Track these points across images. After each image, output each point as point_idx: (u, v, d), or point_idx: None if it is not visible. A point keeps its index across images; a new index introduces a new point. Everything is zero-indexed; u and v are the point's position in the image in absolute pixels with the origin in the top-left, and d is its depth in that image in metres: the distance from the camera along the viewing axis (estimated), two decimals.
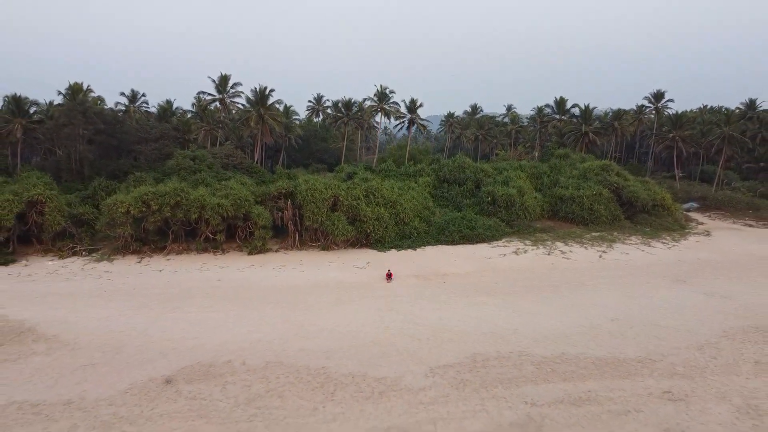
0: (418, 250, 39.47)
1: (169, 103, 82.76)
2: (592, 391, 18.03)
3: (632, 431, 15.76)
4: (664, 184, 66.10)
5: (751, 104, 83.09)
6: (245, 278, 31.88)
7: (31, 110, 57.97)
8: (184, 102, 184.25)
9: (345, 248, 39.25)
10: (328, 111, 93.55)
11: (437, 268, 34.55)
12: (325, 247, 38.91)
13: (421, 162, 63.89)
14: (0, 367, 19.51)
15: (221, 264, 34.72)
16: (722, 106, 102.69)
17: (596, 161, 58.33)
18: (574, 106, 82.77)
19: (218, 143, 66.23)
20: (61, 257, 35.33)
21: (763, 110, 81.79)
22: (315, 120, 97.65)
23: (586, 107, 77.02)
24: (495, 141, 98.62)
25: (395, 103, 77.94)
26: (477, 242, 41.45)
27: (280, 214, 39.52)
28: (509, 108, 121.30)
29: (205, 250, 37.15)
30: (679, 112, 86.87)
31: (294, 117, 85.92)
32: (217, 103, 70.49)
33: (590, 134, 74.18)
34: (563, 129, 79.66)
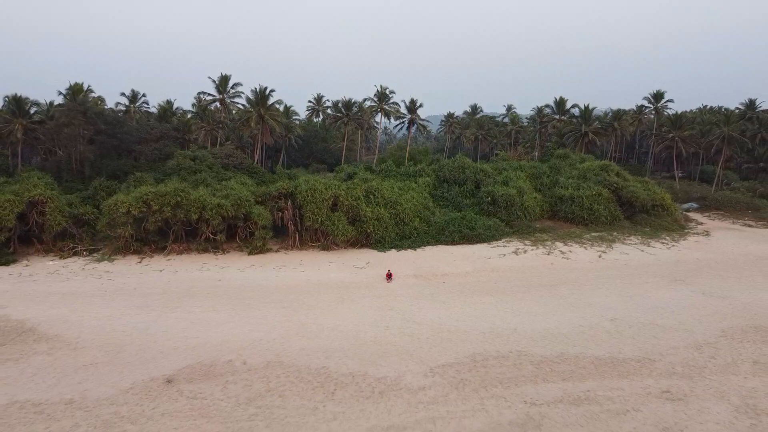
0: (417, 250, 39.56)
1: (169, 103, 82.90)
2: (591, 391, 18.12)
3: (631, 430, 15.85)
4: (663, 184, 66.23)
5: (751, 104, 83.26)
6: (246, 278, 31.97)
7: (32, 110, 58.02)
8: (185, 102, 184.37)
9: (345, 248, 39.33)
10: (328, 111, 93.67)
11: (437, 268, 34.64)
12: (325, 247, 39.00)
13: (421, 162, 63.95)
14: (2, 366, 19.60)
15: (222, 264, 34.80)
16: (722, 106, 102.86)
17: (596, 161, 58.41)
18: (573, 106, 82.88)
19: (218, 143, 66.33)
20: (62, 257, 35.42)
21: (763, 110, 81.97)
22: (315, 120, 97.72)
23: (586, 107, 77.12)
24: (495, 141, 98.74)
25: (395, 103, 78.10)
26: (477, 242, 41.54)
27: (280, 214, 39.61)
28: (509, 108, 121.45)
29: (205, 250, 37.24)
30: (679, 112, 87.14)
31: (294, 117, 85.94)
32: (218, 104, 70.60)
33: (590, 134, 74.27)
34: (563, 129, 79.75)
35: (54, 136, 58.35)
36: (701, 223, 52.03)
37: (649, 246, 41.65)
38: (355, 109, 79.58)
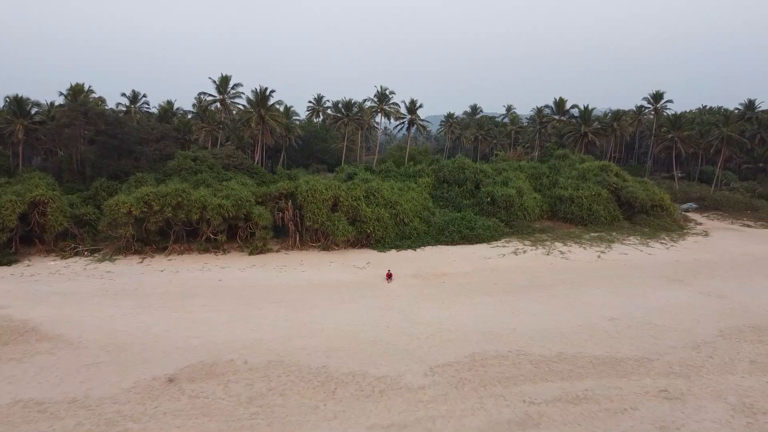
0: (417, 250, 39.72)
1: (169, 103, 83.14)
2: (589, 390, 18.29)
3: (628, 429, 16.02)
4: (663, 184, 66.40)
5: (750, 105, 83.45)
6: (246, 278, 32.14)
7: (33, 111, 58.27)
8: (185, 103, 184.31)
9: (345, 248, 39.49)
10: (329, 111, 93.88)
11: (437, 268, 34.80)
12: (326, 248, 39.17)
13: (420, 162, 64.07)
14: (5, 366, 19.77)
15: (222, 264, 34.97)
16: (721, 107, 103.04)
17: (595, 162, 58.56)
18: (573, 106, 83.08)
19: (219, 144, 66.50)
20: (64, 257, 35.57)
21: (762, 111, 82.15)
22: (315, 120, 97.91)
23: (586, 108, 77.30)
24: (495, 141, 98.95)
25: (395, 103, 78.34)
26: (476, 242, 41.70)
27: (280, 214, 39.77)
28: (509, 108, 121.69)
29: (206, 251, 37.40)
30: (678, 112, 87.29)
31: (294, 117, 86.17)
32: (218, 104, 70.79)
33: (589, 135, 74.45)
34: (562, 129, 79.92)
35: (55, 137, 58.54)
36: (700, 224, 52.19)
37: (648, 246, 41.82)
38: (356, 109, 79.81)
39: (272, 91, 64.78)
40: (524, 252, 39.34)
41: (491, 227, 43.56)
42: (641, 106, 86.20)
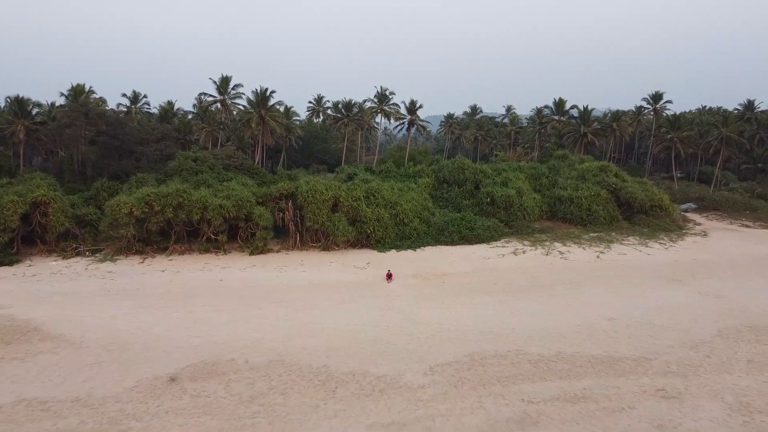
0: (417, 250, 39.89)
1: (170, 104, 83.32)
2: (587, 389, 18.45)
3: (626, 427, 16.18)
4: (662, 184, 66.57)
5: (750, 105, 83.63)
6: (247, 278, 32.30)
7: (34, 111, 58.49)
8: (185, 103, 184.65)
9: (345, 249, 39.66)
10: (329, 112, 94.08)
11: (436, 268, 34.96)
12: (326, 248, 39.33)
13: (420, 163, 64.26)
14: (8, 365, 19.92)
15: (223, 264, 35.13)
16: (720, 107, 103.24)
17: (595, 162, 58.73)
18: (573, 107, 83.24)
19: (219, 144, 66.66)
20: (65, 257, 35.73)
21: (761, 111, 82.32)
22: (315, 121, 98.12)
23: (585, 108, 77.47)
24: (494, 142, 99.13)
25: (395, 104, 78.52)
26: (476, 243, 41.86)
27: (281, 214, 39.94)
28: (509, 109, 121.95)
29: (207, 251, 37.56)
30: (678, 113, 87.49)
31: (294, 118, 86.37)
32: (218, 105, 70.93)
33: (589, 135, 74.62)
34: (562, 130, 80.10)
35: (56, 137, 58.72)
36: (699, 224, 52.37)
37: (647, 246, 41.98)
38: (356, 110, 79.99)
39: (272, 92, 65.00)
40: (524, 252, 39.50)
41: (491, 227, 43.73)
42: (641, 107, 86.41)
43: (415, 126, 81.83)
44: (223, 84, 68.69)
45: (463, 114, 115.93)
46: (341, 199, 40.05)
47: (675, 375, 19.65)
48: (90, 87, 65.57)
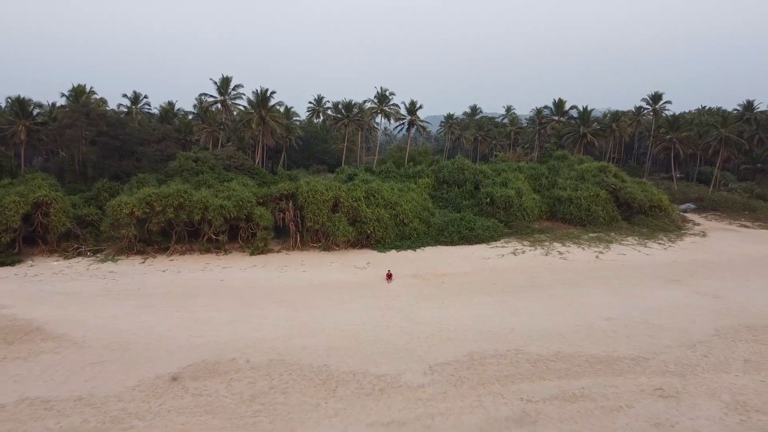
0: (417, 250, 40.04)
1: (170, 104, 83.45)
2: (585, 388, 18.60)
3: (624, 426, 16.33)
4: (662, 185, 66.73)
5: (749, 106, 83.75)
6: (248, 278, 32.45)
7: (35, 112, 58.62)
8: (186, 103, 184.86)
9: (345, 249, 39.81)
10: (329, 112, 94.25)
11: (436, 268, 35.12)
12: (326, 248, 39.48)
13: (420, 163, 64.41)
14: (11, 364, 20.07)
15: (224, 264, 35.28)
16: (720, 107, 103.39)
17: (594, 163, 58.88)
18: (572, 107, 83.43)
19: (220, 144, 66.81)
20: (66, 258, 35.88)
21: (761, 112, 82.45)
22: (315, 121, 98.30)
23: (585, 109, 77.64)
24: (494, 142, 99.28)
25: (395, 104, 78.75)
26: (475, 243, 42.01)
27: (281, 215, 40.09)
28: (509, 109, 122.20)
29: (207, 251, 37.70)
30: (677, 113, 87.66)
31: (295, 118, 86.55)
32: (219, 105, 71.11)
33: (588, 136, 74.77)
34: (562, 130, 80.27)
35: (57, 138, 58.87)
36: (698, 224, 52.52)
37: (646, 246, 42.13)
38: (356, 110, 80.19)
39: (273, 92, 65.20)
40: (523, 252, 39.65)
41: (490, 228, 43.88)
42: (640, 107, 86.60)
43: (415, 126, 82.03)
44: (224, 84, 68.89)
45: (462, 114, 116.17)
46: (341, 200, 40.20)
47: (673, 374, 19.81)
48: (91, 87, 65.82)
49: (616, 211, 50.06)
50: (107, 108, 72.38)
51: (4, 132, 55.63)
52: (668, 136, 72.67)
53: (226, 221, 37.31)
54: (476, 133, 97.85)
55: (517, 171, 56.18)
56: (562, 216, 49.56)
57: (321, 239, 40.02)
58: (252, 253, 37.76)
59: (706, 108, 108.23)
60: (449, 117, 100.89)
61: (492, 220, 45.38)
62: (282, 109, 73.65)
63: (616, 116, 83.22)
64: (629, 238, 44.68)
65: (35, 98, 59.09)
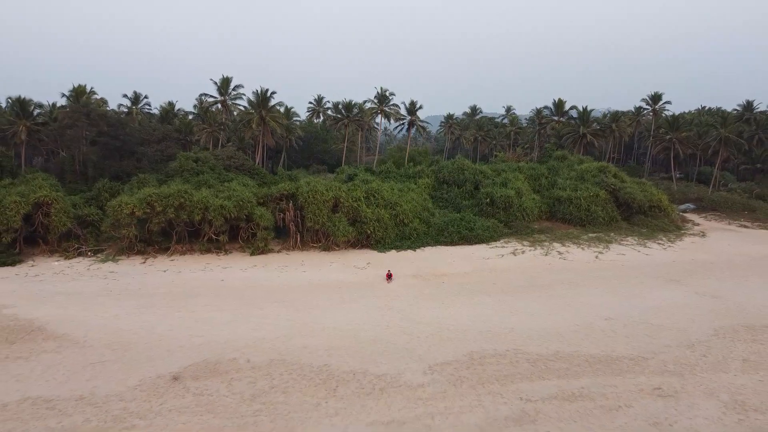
0: (417, 250, 40.12)
1: (171, 104, 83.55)
2: (584, 388, 18.68)
3: (623, 425, 16.42)
4: (661, 185, 66.85)
5: (749, 106, 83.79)
6: (248, 278, 32.53)
7: (35, 112, 58.69)
8: (186, 103, 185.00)
9: (346, 249, 39.90)
10: (329, 112, 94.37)
11: (436, 268, 35.20)
12: (326, 248, 39.57)
13: (420, 163, 64.53)
14: (13, 364, 20.15)
15: (224, 264, 35.36)
16: (720, 108, 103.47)
17: (594, 163, 58.96)
18: (572, 108, 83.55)
19: (220, 145, 66.91)
20: (67, 258, 35.95)
21: (760, 112, 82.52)
22: (315, 121, 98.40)
23: (584, 109, 77.73)
24: (494, 142, 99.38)
25: (395, 105, 78.89)
26: (475, 243, 42.10)
27: (282, 215, 40.18)
28: (508, 109, 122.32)
29: (208, 251, 37.79)
30: (677, 113, 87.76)
31: (295, 118, 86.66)
32: (219, 105, 71.20)
33: (588, 136, 74.87)
34: (561, 131, 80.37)
35: (57, 138, 58.95)
36: (698, 224, 52.61)
37: (646, 247, 42.22)
38: (356, 110, 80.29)
39: (273, 93, 65.32)
40: (523, 252, 39.74)
41: (490, 228, 43.97)
42: (640, 108, 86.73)
43: (415, 126, 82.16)
44: (224, 85, 68.99)
45: (462, 114, 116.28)
46: (341, 200, 40.29)
47: (671, 374, 19.90)
48: (91, 88, 65.95)
49: (615, 212, 50.14)
50: (108, 108, 72.49)
51: (4, 132, 55.72)
52: (668, 137, 72.77)
53: (226, 221, 37.40)
54: (476, 134, 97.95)
55: (516, 171, 56.27)
56: (562, 216, 49.64)
57: (321, 239, 40.11)
58: (252, 253, 37.85)
59: (706, 108, 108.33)
60: (449, 117, 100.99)
61: (492, 221, 45.47)
62: (282, 110, 73.76)
63: (615, 116, 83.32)
64: (629, 238, 44.77)
65: (35, 98, 59.28)
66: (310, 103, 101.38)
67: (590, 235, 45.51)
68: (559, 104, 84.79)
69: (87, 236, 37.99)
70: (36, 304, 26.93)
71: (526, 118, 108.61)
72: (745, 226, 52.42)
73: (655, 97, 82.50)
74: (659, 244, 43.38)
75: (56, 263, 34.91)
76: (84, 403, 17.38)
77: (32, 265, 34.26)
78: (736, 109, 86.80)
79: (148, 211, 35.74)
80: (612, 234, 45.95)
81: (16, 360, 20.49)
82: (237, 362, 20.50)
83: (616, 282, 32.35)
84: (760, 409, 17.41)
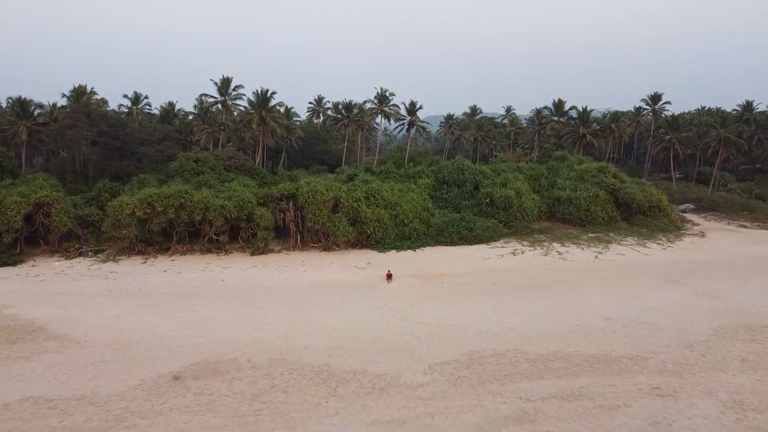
0: (417, 250, 40.20)
1: (171, 104, 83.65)
2: (584, 387, 18.75)
3: (621, 424, 16.49)
4: (661, 185, 66.93)
5: (748, 106, 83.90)
6: (248, 278, 32.61)
7: (36, 113, 58.79)
8: (186, 103, 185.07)
9: (346, 249, 39.97)
10: (329, 112, 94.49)
11: (436, 268, 35.28)
12: (326, 248, 39.65)
13: (420, 164, 64.59)
14: (14, 364, 20.22)
15: (225, 264, 35.44)
16: (720, 108, 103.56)
17: (593, 163, 59.05)
18: (572, 108, 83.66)
19: (220, 145, 66.99)
20: (68, 258, 36.02)
21: (760, 112, 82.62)
22: (316, 121, 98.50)
23: (584, 109, 77.83)
24: (494, 142, 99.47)
25: (395, 105, 79.00)
26: (475, 243, 42.17)
27: (282, 215, 40.25)
28: (508, 109, 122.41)
29: (208, 251, 37.86)
30: (677, 114, 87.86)
31: (295, 119, 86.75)
32: (219, 105, 71.28)
33: (588, 136, 74.96)
34: (561, 131, 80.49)
35: (58, 138, 59.04)
36: (697, 224, 52.69)
37: (645, 247, 42.29)
38: (356, 110, 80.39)
39: (273, 93, 65.42)
40: (522, 252, 39.82)
41: (490, 228, 44.04)
42: (639, 108, 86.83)
43: (415, 127, 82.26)
44: (224, 85, 69.08)
45: (462, 114, 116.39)
46: (342, 200, 40.37)
47: (670, 373, 19.97)
48: (92, 88, 66.06)
49: (615, 212, 50.22)
50: (108, 108, 72.60)
51: (5, 132, 55.83)
52: (667, 137, 72.87)
53: (226, 221, 37.47)
54: (476, 134, 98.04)
55: (516, 171, 56.35)
56: (562, 216, 49.72)
57: (321, 239, 40.19)
58: (253, 254, 37.93)
59: (706, 108, 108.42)
60: (449, 117, 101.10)
61: (491, 221, 45.54)
62: (282, 110, 73.85)
63: (615, 117, 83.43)
64: (628, 239, 44.84)
65: (35, 98, 59.41)
66: (310, 103, 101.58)
67: (590, 235, 45.59)
68: (558, 104, 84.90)
69: (88, 236, 38.06)
70: (37, 304, 27.00)
71: (525, 119, 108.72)
72: (745, 227, 52.50)
73: (655, 98, 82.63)
74: (659, 244, 43.46)
75: (57, 263, 34.99)
76: (85, 402, 17.45)
77: (33, 265, 34.34)
78: (735, 110, 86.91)
79: (149, 211, 35.82)
80: (611, 234, 46.04)
81: (18, 360, 20.55)
82: (238, 362, 20.57)
83: (616, 282, 32.43)
84: (758, 408, 17.49)
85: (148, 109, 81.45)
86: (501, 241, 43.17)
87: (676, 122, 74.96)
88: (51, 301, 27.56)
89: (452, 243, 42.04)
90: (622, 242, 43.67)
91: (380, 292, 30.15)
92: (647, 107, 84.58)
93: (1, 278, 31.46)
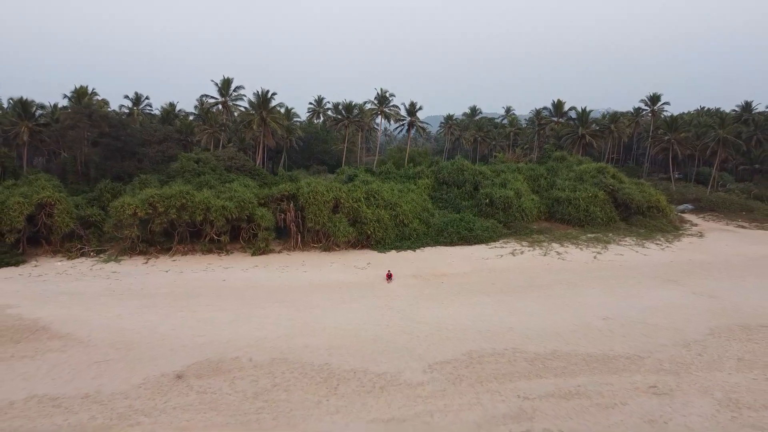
0: (417, 251, 40.43)
1: (172, 105, 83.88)
2: (581, 386, 18.99)
3: (618, 422, 16.73)
4: (660, 185, 67.16)
5: (747, 107, 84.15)
6: (249, 278, 32.84)
7: (37, 113, 59.03)
8: (186, 103, 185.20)
9: (346, 249, 40.21)
10: (329, 113, 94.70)
11: (436, 268, 35.51)
12: (327, 248, 39.88)
13: (420, 164, 64.86)
14: (19, 363, 20.46)
15: (226, 265, 35.67)
16: (719, 108, 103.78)
17: (592, 164, 59.29)
18: (571, 108, 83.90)
19: (221, 146, 67.21)
20: (70, 258, 36.26)
21: (758, 113, 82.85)
22: (316, 122, 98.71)
23: (583, 110, 78.06)
24: (494, 143, 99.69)
25: (395, 105, 79.21)
26: (475, 243, 42.40)
27: (282, 215, 40.48)
28: (508, 110, 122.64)
29: (209, 251, 38.10)
30: (676, 114, 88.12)
31: (295, 119, 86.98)
32: (220, 106, 71.48)
33: (587, 137, 75.18)
34: (560, 131, 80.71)
35: (59, 139, 59.29)
36: (696, 225, 52.91)
37: (644, 247, 42.51)
38: (356, 111, 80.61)
39: (273, 94, 65.64)
40: (522, 253, 40.05)
41: (489, 228, 44.28)
42: (639, 108, 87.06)
43: (415, 127, 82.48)
44: (225, 86, 69.27)
45: (462, 115, 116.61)
46: (342, 201, 40.61)
47: (667, 372, 20.20)
48: (93, 89, 66.33)
49: (614, 212, 50.45)
50: (109, 109, 72.84)
51: (7, 133, 56.10)
52: (666, 137, 73.10)
53: (227, 222, 37.71)
54: (476, 134, 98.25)
55: (516, 172, 56.59)
56: (561, 217, 49.95)
57: (322, 240, 40.42)
58: (253, 254, 38.16)
59: (705, 109, 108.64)
60: (449, 118, 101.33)
61: (491, 221, 45.78)
62: (282, 110, 74.08)
63: (614, 117, 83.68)
64: (627, 239, 45.07)
65: (36, 98, 59.79)
66: (311, 103, 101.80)
67: (589, 235, 45.81)
68: (558, 105, 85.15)
69: (90, 237, 38.28)
70: (40, 303, 27.25)
71: (525, 119, 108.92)
72: (743, 227, 52.72)
73: (654, 98, 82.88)
74: (657, 244, 43.69)
75: (59, 263, 35.22)
76: (89, 401, 17.69)
77: (35, 266, 34.57)
78: (734, 110, 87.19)
79: (150, 211, 36.06)
80: (610, 234, 46.26)
81: (22, 359, 20.80)
82: (239, 361, 20.81)
83: (614, 282, 32.66)
84: (753, 406, 17.72)
85: (149, 110, 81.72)
86: (500, 241, 43.40)
87: (675, 123, 75.21)
88: (54, 300, 27.80)
89: (452, 243, 42.28)
90: (620, 242, 43.90)
91: (380, 292, 30.39)
92: (646, 108, 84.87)
93: (5, 278, 31.71)
